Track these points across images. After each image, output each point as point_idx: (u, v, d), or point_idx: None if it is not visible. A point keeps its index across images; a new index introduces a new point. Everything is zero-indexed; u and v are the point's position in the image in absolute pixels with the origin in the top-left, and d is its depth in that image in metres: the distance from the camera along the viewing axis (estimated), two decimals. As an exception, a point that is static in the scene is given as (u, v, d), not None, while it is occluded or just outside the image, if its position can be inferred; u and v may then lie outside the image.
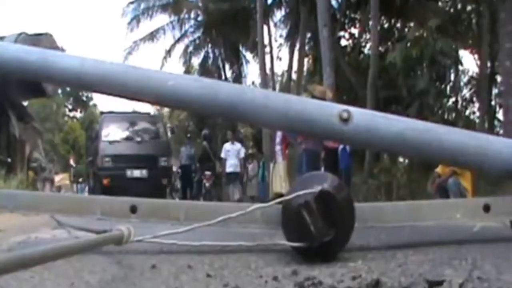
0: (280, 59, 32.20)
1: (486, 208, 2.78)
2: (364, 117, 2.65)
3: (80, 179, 42.96)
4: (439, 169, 11.08)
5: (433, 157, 2.74)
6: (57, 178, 45.56)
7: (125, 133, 20.58)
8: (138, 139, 20.35)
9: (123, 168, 19.17)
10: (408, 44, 17.69)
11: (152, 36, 34.97)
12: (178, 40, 35.37)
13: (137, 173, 19.39)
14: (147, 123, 21.82)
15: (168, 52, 35.79)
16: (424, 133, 2.63)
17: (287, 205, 2.36)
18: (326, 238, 2.22)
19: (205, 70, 35.30)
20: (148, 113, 27.93)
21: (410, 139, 2.59)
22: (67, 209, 2.74)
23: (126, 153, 19.44)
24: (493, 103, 23.34)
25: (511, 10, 14.42)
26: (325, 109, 2.65)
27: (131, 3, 35.11)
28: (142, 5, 34.82)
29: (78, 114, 74.96)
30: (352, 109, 2.64)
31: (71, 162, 47.37)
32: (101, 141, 19.71)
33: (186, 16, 36.29)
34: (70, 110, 74.17)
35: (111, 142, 19.57)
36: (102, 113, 24.88)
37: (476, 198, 2.91)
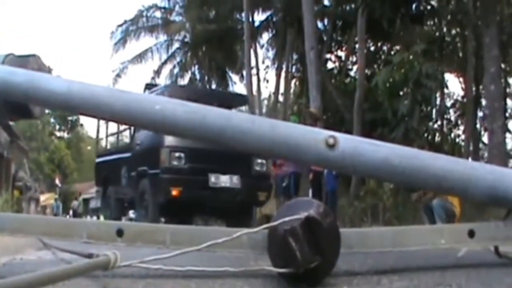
0: (267, 81, 32.38)
1: (471, 234, 2.80)
2: (350, 143, 2.67)
3: (56, 196, 42.75)
4: None
5: (418, 183, 2.76)
6: (42, 197, 45.39)
7: None
8: None
9: (203, 171, 12.20)
10: (394, 68, 17.81)
11: (140, 57, 35.11)
12: (165, 61, 35.49)
13: (225, 180, 12.46)
14: (234, 105, 14.77)
15: (157, 73, 35.96)
16: (410, 159, 2.65)
17: (273, 231, 2.37)
18: (312, 264, 2.22)
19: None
20: (238, 93, 21.98)
21: (395, 165, 2.62)
22: (52, 232, 2.72)
23: (207, 147, 10.93)
24: (478, 126, 23.50)
25: (496, 35, 14.59)
26: (311, 135, 2.67)
27: (120, 25, 35.30)
28: (131, 28, 34.99)
29: (65, 135, 74.79)
30: (338, 135, 2.66)
31: (57, 181, 47.19)
32: None
33: (173, 37, 36.49)
34: (58, 130, 73.96)
35: None
36: (149, 86, 16.67)
37: (460, 224, 2.93)
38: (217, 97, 14.87)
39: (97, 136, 18.60)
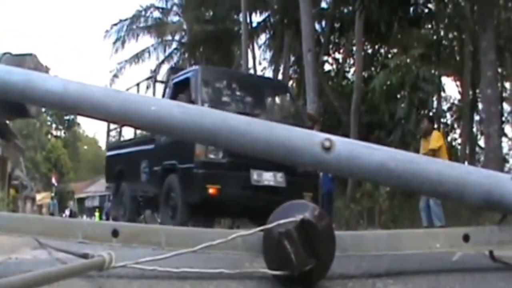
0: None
1: (466, 238, 2.80)
2: (346, 146, 2.68)
3: (52, 195, 42.67)
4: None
5: (413, 187, 2.76)
6: (38, 196, 45.40)
7: (242, 105, 11.95)
8: (264, 118, 10.32)
9: (245, 166, 10.30)
10: (391, 71, 17.85)
11: (137, 57, 35.10)
12: (162, 61, 35.49)
13: (268, 178, 10.70)
14: (276, 92, 13.54)
15: (154, 73, 35.91)
16: (406, 163, 2.66)
17: (268, 233, 2.37)
18: (307, 267, 2.23)
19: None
20: (279, 81, 20.11)
21: (391, 168, 2.62)
22: (48, 232, 2.71)
23: None
24: (474, 130, 23.57)
25: (492, 39, 14.63)
26: (307, 138, 2.67)
27: (115, 24, 35.30)
28: (125, 27, 34.96)
29: (62, 134, 74.79)
30: (334, 137, 2.67)
31: (53, 181, 47.17)
32: None
33: (170, 37, 36.47)
34: (55, 129, 73.93)
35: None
36: (174, 69, 15.64)
37: (455, 228, 2.93)
38: (256, 83, 13.34)
39: (108, 126, 16.49)
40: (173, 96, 11.03)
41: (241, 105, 11.68)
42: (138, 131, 14.17)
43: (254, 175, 10.36)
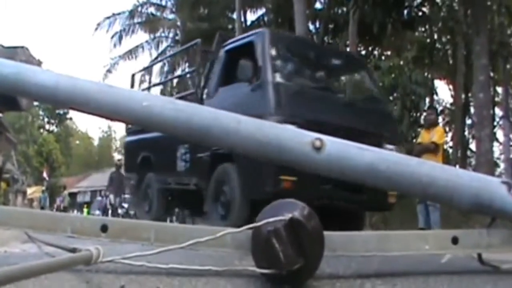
0: (258, 79, 32.35)
1: (455, 240, 2.81)
2: (337, 146, 2.68)
3: (43, 188, 42.51)
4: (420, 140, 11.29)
5: (403, 189, 2.77)
6: (29, 190, 45.26)
7: (317, 78, 9.56)
8: (345, 97, 9.82)
9: None
10: (384, 73, 17.88)
11: (131, 53, 35.03)
12: (156, 58, 35.42)
13: None
14: (352, 68, 10.94)
15: (147, 69, 35.83)
16: (396, 165, 2.66)
17: (257, 232, 2.37)
18: (295, 266, 2.23)
19: (181, 89, 35.26)
20: (355, 55, 15.76)
21: (381, 170, 2.62)
22: (37, 226, 2.71)
23: (328, 120, 8.06)
24: (466, 133, 23.64)
25: (486, 43, 14.69)
26: (297, 137, 2.67)
27: (107, 17, 35.24)
28: (121, 21, 34.90)
29: (54, 128, 74.59)
30: (325, 137, 2.67)
31: (44, 175, 47.04)
32: (269, 81, 8.23)
33: (164, 34, 36.37)
34: (47, 123, 73.72)
35: (295, 92, 8.36)
36: (222, 36, 10.75)
37: (445, 230, 2.94)
38: (330, 55, 11.00)
39: None
40: (225, 67, 9.27)
41: (315, 78, 9.50)
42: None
43: None
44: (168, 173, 10.76)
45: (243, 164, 8.20)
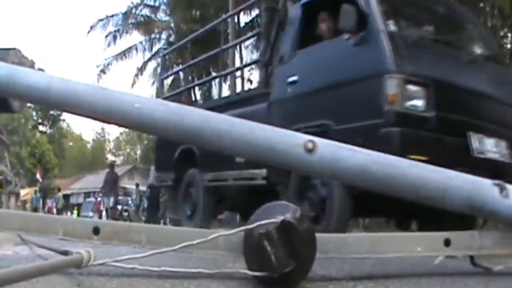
0: (251, 82, 32.31)
1: (447, 242, 2.82)
2: (329, 148, 2.68)
3: (36, 189, 42.37)
4: None
5: (395, 191, 2.76)
6: (22, 192, 45.12)
7: (431, 30, 7.25)
8: (474, 56, 7.08)
9: (461, 127, 5.82)
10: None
11: (124, 54, 35.02)
12: (149, 59, 35.40)
13: (492, 147, 6.07)
14: (468, 20, 8.02)
15: (140, 70, 35.85)
16: (388, 167, 2.66)
17: (248, 234, 2.36)
18: (287, 269, 2.22)
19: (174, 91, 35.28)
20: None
21: (373, 172, 2.62)
22: (29, 228, 2.70)
23: (464, 83, 5.97)
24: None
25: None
26: (289, 139, 2.67)
27: (101, 20, 35.22)
28: (116, 23, 34.91)
29: (48, 130, 74.50)
30: (317, 139, 2.66)
31: (38, 176, 46.93)
32: (382, 30, 5.84)
33: (158, 36, 36.35)
34: (39, 124, 73.62)
35: (415, 43, 6.09)
36: None
37: (437, 233, 2.94)
38: (444, 7, 7.82)
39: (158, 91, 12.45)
40: (303, 26, 7.26)
41: (433, 31, 7.26)
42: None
43: (475, 141, 5.91)
44: (220, 167, 8.37)
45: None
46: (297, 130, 5.13)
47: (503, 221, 2.87)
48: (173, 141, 9.00)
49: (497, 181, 2.76)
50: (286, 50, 7.31)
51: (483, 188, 2.72)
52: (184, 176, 9.50)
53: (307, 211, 6.06)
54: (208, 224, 8.77)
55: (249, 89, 9.85)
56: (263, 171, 7.33)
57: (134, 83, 35.59)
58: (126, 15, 35.47)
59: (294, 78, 6.93)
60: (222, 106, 8.80)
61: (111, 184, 20.18)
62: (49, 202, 44.08)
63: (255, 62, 9.12)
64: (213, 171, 8.56)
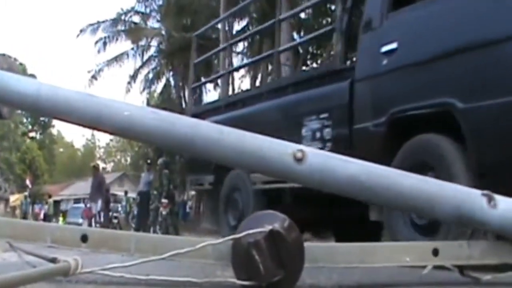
0: (242, 90, 32.38)
1: (435, 252, 2.82)
2: (319, 158, 2.67)
3: (26, 194, 42.14)
4: None
5: (385, 201, 2.77)
6: (12, 198, 44.99)
7: None
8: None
9: None
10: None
11: (116, 60, 35.07)
12: (141, 66, 35.46)
13: None
14: None
15: (132, 78, 35.91)
16: (378, 177, 2.66)
17: (237, 243, 2.36)
18: (275, 278, 2.22)
19: (165, 98, 35.33)
20: None
21: (362, 181, 2.62)
22: (17, 235, 2.68)
23: None
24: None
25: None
26: (278, 148, 2.67)
27: (91, 24, 35.28)
28: (105, 29, 34.98)
29: (38, 136, 74.38)
30: (306, 149, 2.66)
31: (27, 182, 46.79)
32: None
33: (148, 43, 36.45)
34: (30, 131, 73.53)
35: None
36: None
37: (425, 242, 2.95)
38: None
39: (192, 79, 11.40)
40: None
41: None
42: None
43: None
44: None
45: (475, 137, 4.60)
46: (403, 112, 5.08)
47: (491, 231, 2.88)
48: None
49: (485, 192, 2.76)
50: (374, 13, 5.87)
51: (472, 198, 2.73)
52: (225, 178, 7.89)
53: None
54: None
55: (318, 66, 7.39)
56: None
57: (128, 91, 35.67)
58: (116, 21, 35.50)
59: (392, 46, 5.45)
60: (258, 97, 7.84)
61: (97, 187, 19.70)
62: (36, 208, 43.85)
63: (329, 31, 7.50)
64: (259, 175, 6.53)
